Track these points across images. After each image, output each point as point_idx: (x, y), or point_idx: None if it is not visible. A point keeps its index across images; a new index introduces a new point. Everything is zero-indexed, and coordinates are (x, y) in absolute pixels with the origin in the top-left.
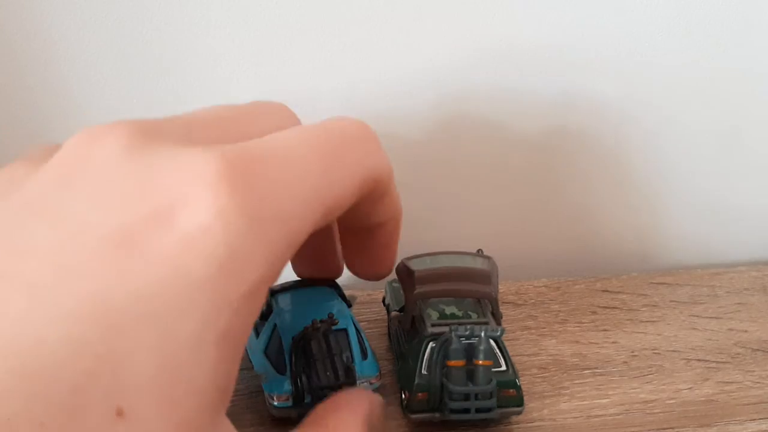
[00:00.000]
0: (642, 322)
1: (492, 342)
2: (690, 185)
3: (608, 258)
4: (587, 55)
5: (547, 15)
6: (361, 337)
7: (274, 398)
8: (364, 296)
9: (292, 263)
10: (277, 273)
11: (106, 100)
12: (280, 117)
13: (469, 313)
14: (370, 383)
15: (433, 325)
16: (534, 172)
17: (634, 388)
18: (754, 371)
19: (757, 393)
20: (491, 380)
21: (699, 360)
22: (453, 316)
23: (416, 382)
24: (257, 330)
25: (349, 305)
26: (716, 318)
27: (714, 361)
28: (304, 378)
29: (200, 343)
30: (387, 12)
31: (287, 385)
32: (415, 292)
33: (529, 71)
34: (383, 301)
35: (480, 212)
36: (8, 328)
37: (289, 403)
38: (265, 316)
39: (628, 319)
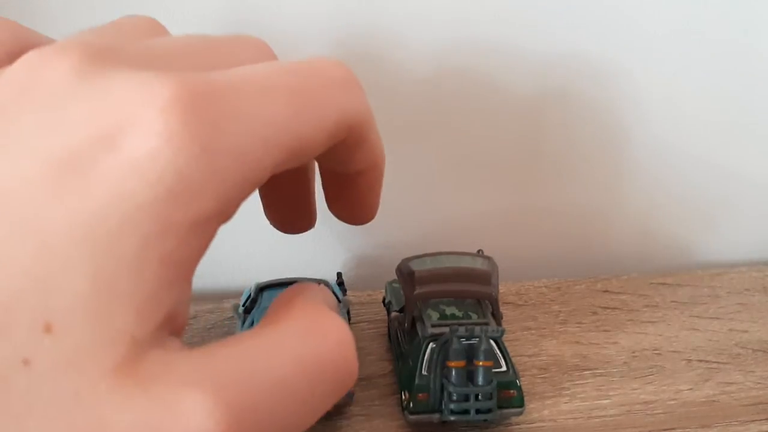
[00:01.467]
0: (643, 322)
1: (492, 342)
2: (691, 186)
3: (609, 258)
4: (590, 50)
5: None
6: None
7: None
8: (364, 296)
9: (264, 209)
10: (231, 210)
11: None
12: (256, 53)
13: (470, 313)
14: None
15: (433, 326)
16: (535, 173)
17: (635, 389)
18: (755, 372)
19: (757, 394)
20: (491, 381)
21: (700, 360)
22: (453, 316)
23: (416, 382)
24: (243, 323)
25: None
26: (717, 318)
27: (715, 362)
28: None
29: (141, 262)
30: None
31: None
32: (416, 292)
33: (528, 68)
34: (383, 301)
35: (480, 212)
36: None
37: None
38: (249, 310)
39: (628, 320)
